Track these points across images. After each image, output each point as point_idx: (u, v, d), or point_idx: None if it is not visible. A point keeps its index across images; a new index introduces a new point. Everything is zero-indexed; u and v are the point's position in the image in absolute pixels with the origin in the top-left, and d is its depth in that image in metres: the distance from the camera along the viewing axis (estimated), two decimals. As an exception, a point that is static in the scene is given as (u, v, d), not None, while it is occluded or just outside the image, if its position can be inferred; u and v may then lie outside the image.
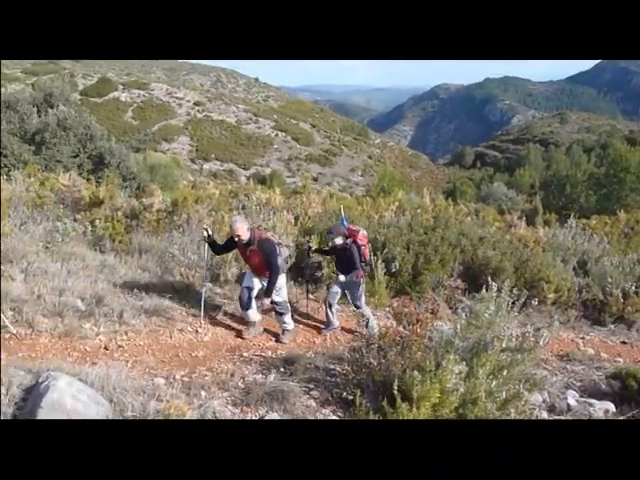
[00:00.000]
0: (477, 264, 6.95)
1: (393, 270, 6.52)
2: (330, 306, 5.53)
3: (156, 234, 7.47)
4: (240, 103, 73.09)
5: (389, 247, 6.72)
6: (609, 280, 7.75)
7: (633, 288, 7.68)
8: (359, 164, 59.84)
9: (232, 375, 3.79)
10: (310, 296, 6.63)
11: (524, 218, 11.64)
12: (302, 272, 7.14)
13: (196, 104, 67.24)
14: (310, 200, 10.12)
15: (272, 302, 5.05)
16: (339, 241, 5.49)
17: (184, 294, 5.76)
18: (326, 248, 6.15)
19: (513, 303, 3.76)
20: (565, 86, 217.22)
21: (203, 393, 3.46)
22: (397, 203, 9.80)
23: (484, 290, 3.42)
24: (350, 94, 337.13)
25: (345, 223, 6.07)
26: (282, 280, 5.18)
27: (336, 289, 5.58)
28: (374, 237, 7.10)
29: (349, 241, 5.46)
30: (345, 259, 5.47)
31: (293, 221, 7.94)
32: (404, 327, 3.25)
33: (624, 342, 6.79)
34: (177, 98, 67.57)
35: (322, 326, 5.60)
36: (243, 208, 8.83)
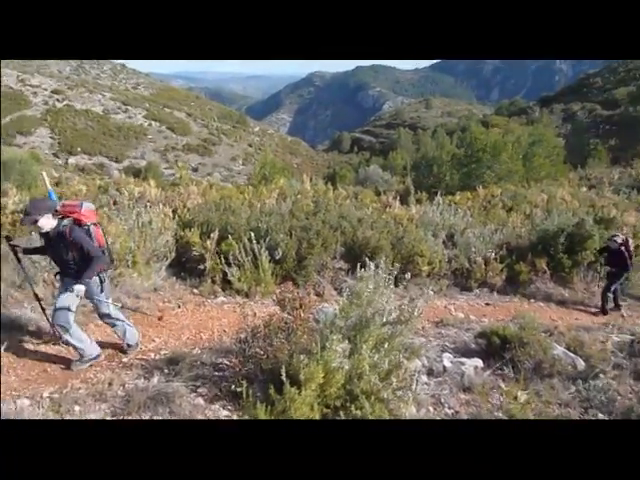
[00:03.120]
0: (357, 244, 7.23)
1: (277, 257, 6.53)
2: (63, 331, 3.80)
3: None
4: (106, 91, 67.75)
5: (272, 235, 6.71)
6: (473, 249, 8.57)
7: (493, 255, 8.58)
8: (240, 153, 59.00)
9: (110, 384, 3.51)
10: (195, 290, 6.42)
11: (398, 198, 12.34)
12: (184, 267, 6.88)
13: (55, 92, 60.93)
14: (189, 191, 9.74)
15: None
16: (46, 224, 3.56)
17: (50, 302, 5.20)
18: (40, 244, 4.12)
19: (391, 279, 3.96)
20: (428, 74, 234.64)
21: (77, 408, 3.16)
22: (278, 190, 9.81)
23: (362, 269, 3.54)
24: (226, 81, 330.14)
25: (54, 197, 4.20)
26: None
27: (68, 300, 3.75)
28: (257, 226, 7.04)
29: (67, 222, 3.62)
30: (66, 250, 3.62)
31: (171, 214, 7.58)
32: (288, 313, 3.26)
33: (488, 304, 7.57)
34: (31, 86, 60.63)
35: (210, 322, 5.41)
36: (115, 204, 8.20)
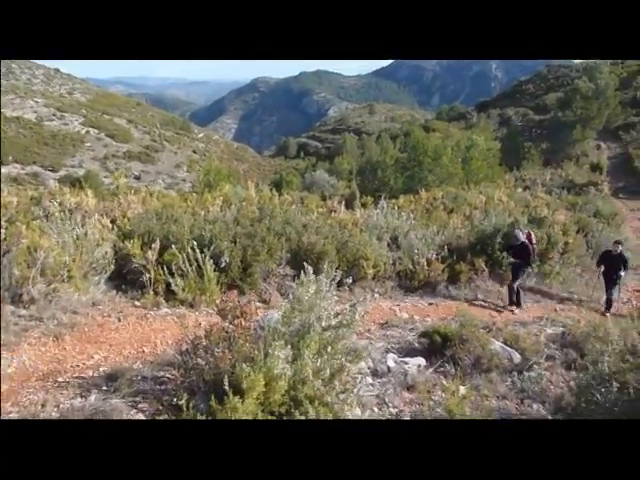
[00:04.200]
0: (303, 250, 7.27)
1: (222, 265, 6.45)
2: None
3: None
4: (39, 97, 64.51)
5: (216, 243, 6.62)
6: (416, 251, 8.82)
7: (435, 256, 8.87)
8: (184, 160, 57.76)
9: (43, 406, 3.34)
10: (137, 303, 6.23)
11: (344, 202, 12.52)
12: (125, 279, 6.67)
13: (-19, 99, 57.34)
14: (129, 201, 9.44)
15: None
16: None
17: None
18: None
19: (334, 283, 4.01)
20: (371, 80, 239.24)
21: (7, 433, 2.99)
22: (222, 197, 9.70)
23: (303, 275, 3.57)
24: (168, 87, 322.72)
25: None
26: None
27: None
28: (200, 234, 6.93)
29: None
30: None
31: (110, 225, 7.31)
32: (230, 322, 3.23)
33: (431, 303, 7.81)
34: (-46, 92, 56.76)
35: (153, 335, 5.26)
36: (47, 216, 7.82)
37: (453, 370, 4.83)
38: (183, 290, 6.12)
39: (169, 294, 6.27)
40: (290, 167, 57.80)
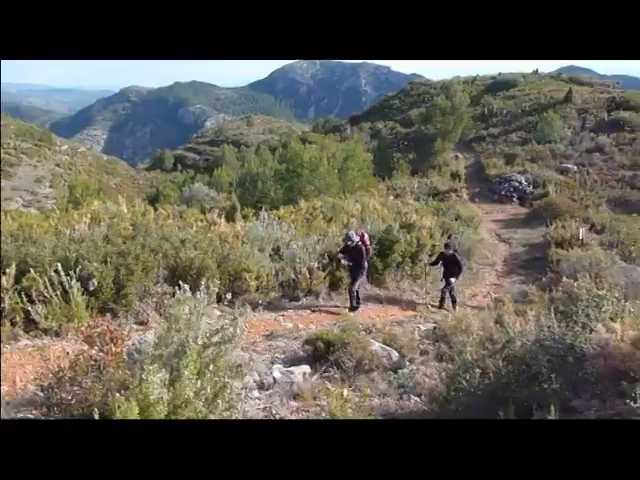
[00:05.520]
0: (181, 266, 7.00)
1: (92, 288, 5.96)
2: None
3: None
4: None
5: (83, 264, 6.10)
6: (298, 261, 8.97)
7: (316, 264, 9.10)
8: (46, 174, 52.54)
9: None
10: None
11: (224, 215, 12.31)
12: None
13: None
14: (-25, 222, 8.32)
15: None
16: None
17: None
18: None
19: (213, 298, 3.90)
20: (248, 92, 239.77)
21: None
22: (90, 214, 8.98)
23: (180, 292, 3.43)
24: (23, 94, 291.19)
25: None
26: None
27: None
28: (65, 255, 6.33)
29: None
30: None
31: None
32: (99, 349, 2.98)
33: (314, 311, 7.99)
34: None
35: (10, 372, 4.66)
36: None
37: (337, 374, 4.98)
38: (46, 318, 5.53)
39: (29, 324, 5.63)
40: (167, 180, 55.46)
